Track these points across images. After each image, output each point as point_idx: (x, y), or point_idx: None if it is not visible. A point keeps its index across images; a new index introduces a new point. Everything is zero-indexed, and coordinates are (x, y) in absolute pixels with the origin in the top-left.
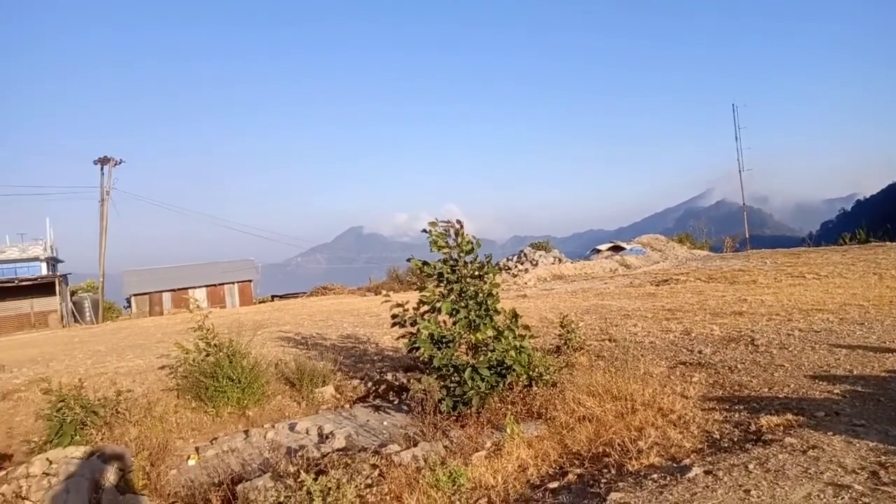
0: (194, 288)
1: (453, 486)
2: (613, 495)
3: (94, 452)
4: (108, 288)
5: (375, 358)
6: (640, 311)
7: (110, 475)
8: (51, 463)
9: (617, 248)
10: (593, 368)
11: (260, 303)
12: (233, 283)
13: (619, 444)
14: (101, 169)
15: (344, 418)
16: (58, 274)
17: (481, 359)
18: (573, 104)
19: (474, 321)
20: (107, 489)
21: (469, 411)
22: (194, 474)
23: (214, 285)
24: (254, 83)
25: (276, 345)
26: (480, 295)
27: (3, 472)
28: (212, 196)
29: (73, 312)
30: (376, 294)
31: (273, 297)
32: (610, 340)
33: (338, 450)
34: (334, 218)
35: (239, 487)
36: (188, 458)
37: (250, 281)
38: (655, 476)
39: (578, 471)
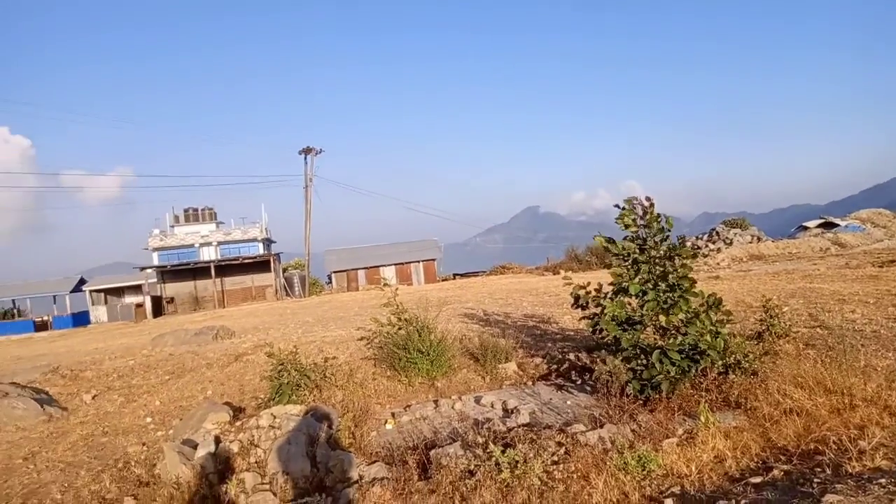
0: (384, 266)
1: (643, 470)
2: (830, 497)
3: (308, 411)
4: (313, 265)
5: (556, 337)
6: (859, 296)
7: (322, 432)
8: (274, 417)
9: (828, 225)
10: (801, 358)
11: (443, 280)
12: (418, 261)
13: (834, 443)
14: (305, 158)
15: (527, 395)
16: (272, 253)
17: (671, 342)
18: (773, 66)
19: (665, 303)
20: (320, 444)
21: (658, 396)
22: (391, 437)
23: (402, 264)
24: (449, 76)
25: (459, 321)
26: (671, 276)
27: (240, 423)
28: (401, 180)
29: (284, 287)
30: (554, 273)
31: (455, 275)
32: (821, 327)
33: (522, 425)
34: (511, 198)
35: (432, 453)
36: (385, 422)
37: (434, 260)
38: (883, 481)
39: (785, 467)
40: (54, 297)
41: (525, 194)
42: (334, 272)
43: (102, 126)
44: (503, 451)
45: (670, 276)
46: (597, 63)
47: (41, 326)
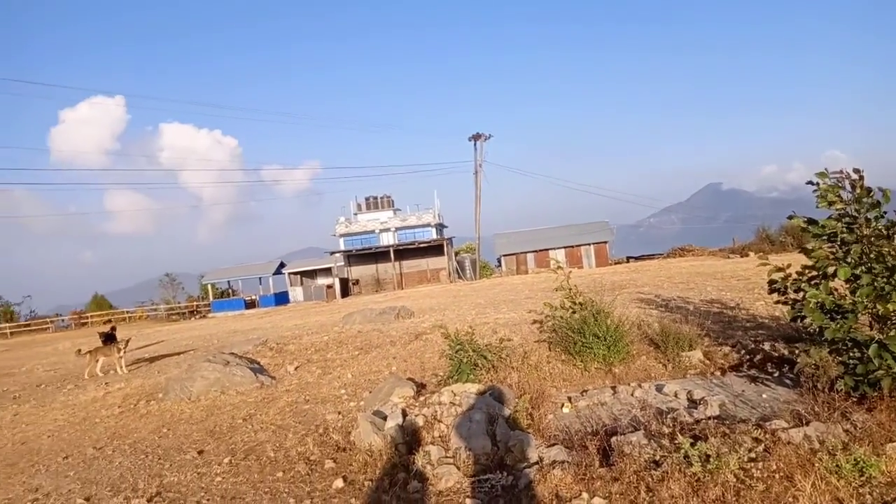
0: (554, 249)
1: (860, 476)
2: None
3: (486, 390)
4: (482, 249)
5: (747, 325)
6: None
7: (500, 412)
8: (455, 395)
9: None
10: None
11: (615, 264)
12: (589, 244)
13: None
14: (475, 144)
15: (715, 385)
16: (444, 237)
17: (891, 334)
18: None
19: (883, 289)
20: (499, 423)
21: (876, 394)
22: (569, 421)
23: (572, 246)
24: (617, 43)
25: (635, 306)
26: (889, 259)
27: (423, 398)
28: (570, 161)
29: (456, 270)
30: (742, 256)
31: (628, 258)
32: None
33: (711, 417)
34: (689, 174)
35: (613, 440)
36: (562, 405)
37: (605, 242)
38: None
39: None
40: (260, 278)
41: (706, 170)
42: (504, 255)
43: (294, 124)
44: (692, 444)
45: (888, 258)
46: (787, 17)
47: (250, 304)
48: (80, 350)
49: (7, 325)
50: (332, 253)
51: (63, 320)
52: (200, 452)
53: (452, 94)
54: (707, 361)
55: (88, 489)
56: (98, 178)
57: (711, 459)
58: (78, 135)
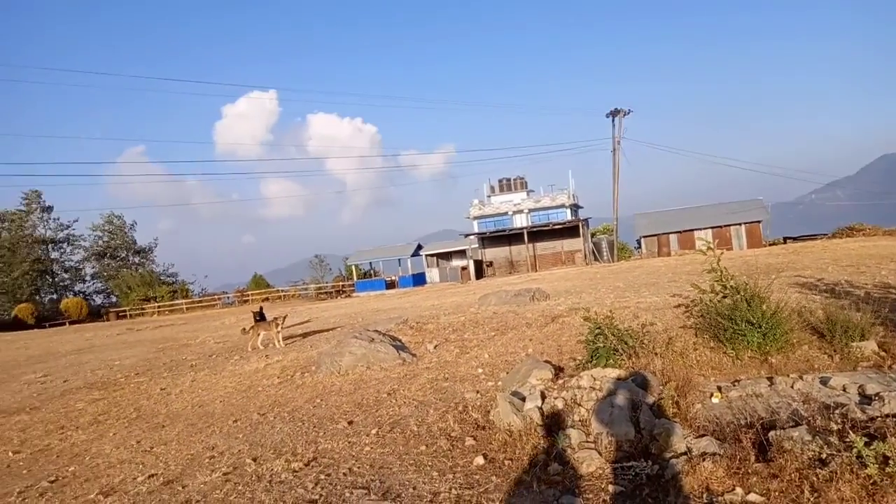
0: (700, 230)
1: None
2: None
3: (628, 376)
4: (621, 230)
5: None
6: None
7: (644, 398)
8: (595, 379)
9: None
10: None
11: (770, 245)
12: (739, 224)
13: None
14: (612, 121)
15: (893, 380)
16: (580, 218)
17: None
18: None
19: None
20: (643, 410)
21: None
22: (719, 412)
23: (720, 227)
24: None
25: (795, 290)
26: None
27: (562, 381)
28: (718, 136)
29: (593, 252)
30: None
31: (785, 238)
32: None
33: (890, 415)
34: (858, 146)
35: (771, 434)
36: (711, 395)
37: (759, 222)
38: None
39: None
40: (399, 260)
41: (879, 140)
42: (644, 237)
43: (430, 109)
44: (867, 443)
45: None
46: None
47: (390, 285)
48: (244, 329)
49: (183, 300)
50: (467, 235)
51: (228, 297)
52: (350, 423)
53: (590, 68)
54: (882, 353)
55: (255, 450)
56: (255, 167)
57: (891, 462)
58: (237, 128)
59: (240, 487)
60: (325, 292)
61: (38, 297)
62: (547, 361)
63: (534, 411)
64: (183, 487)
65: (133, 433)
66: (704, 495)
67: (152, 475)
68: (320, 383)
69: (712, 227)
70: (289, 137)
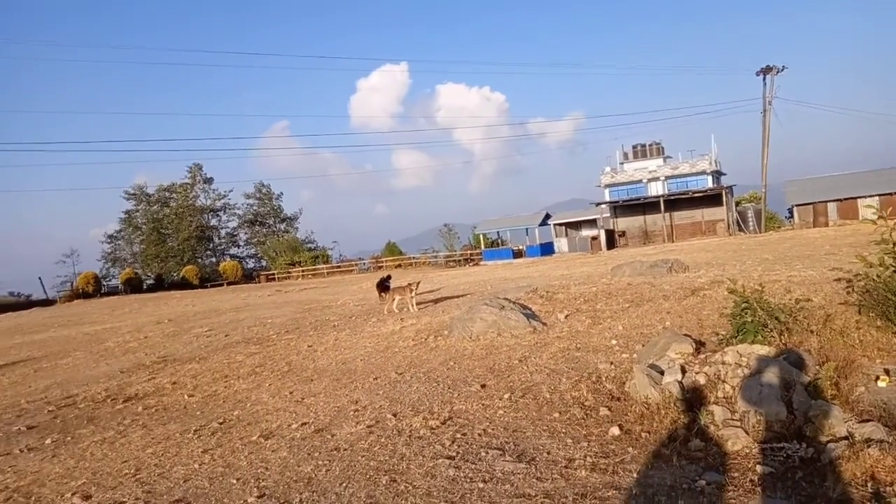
0: (864, 197)
1: None
2: None
3: (780, 353)
4: (770, 198)
5: None
6: None
7: (798, 377)
8: (740, 356)
9: None
10: None
11: None
12: None
13: None
14: (763, 79)
15: None
16: (722, 186)
17: None
18: None
19: None
20: (797, 390)
21: None
22: (886, 396)
23: (890, 194)
24: None
25: None
26: None
27: (703, 356)
28: (884, 91)
29: (737, 222)
30: None
31: None
32: None
33: None
34: None
35: None
36: (877, 378)
37: None
38: None
39: None
40: (526, 229)
41: None
42: (796, 205)
43: (558, 76)
44: None
45: None
46: None
47: (517, 254)
48: (381, 294)
49: (324, 266)
50: (598, 204)
51: (364, 263)
52: (483, 386)
53: (735, 23)
54: None
55: (395, 407)
56: (386, 139)
57: None
58: (370, 101)
59: (382, 440)
60: (454, 260)
61: (199, 260)
62: (686, 335)
63: (673, 385)
64: (332, 436)
65: (286, 385)
66: (869, 484)
67: (304, 423)
68: (452, 347)
69: (880, 195)
70: (418, 109)
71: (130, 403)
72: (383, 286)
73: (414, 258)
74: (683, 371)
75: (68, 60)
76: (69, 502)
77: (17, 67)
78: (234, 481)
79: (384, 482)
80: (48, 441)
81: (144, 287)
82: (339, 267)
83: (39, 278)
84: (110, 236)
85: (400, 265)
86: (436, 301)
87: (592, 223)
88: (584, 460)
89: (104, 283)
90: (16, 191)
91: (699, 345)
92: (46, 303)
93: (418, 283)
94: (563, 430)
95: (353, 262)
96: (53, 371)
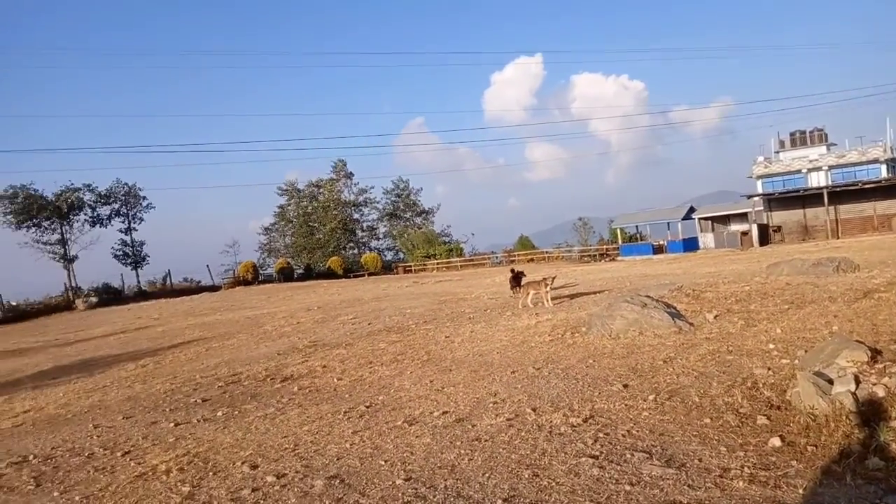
0: None
1: None
2: None
3: None
4: None
5: None
6: None
7: None
8: None
9: None
10: None
11: None
12: None
13: None
14: None
15: None
16: None
17: None
18: None
19: None
20: None
21: None
22: None
23: None
24: None
25: None
26: None
27: (881, 365)
28: None
29: None
30: None
31: None
32: None
33: None
34: None
35: None
36: None
37: None
38: None
39: None
40: (668, 223)
41: None
42: None
43: (706, 59)
44: None
45: None
46: None
47: (658, 249)
48: (514, 289)
49: (458, 259)
50: (749, 196)
51: (496, 257)
52: (625, 386)
53: None
54: None
55: (533, 401)
56: (520, 132)
57: None
58: (504, 95)
59: (522, 433)
60: (589, 255)
61: (343, 252)
62: (859, 341)
63: (845, 396)
64: (472, 426)
65: (426, 373)
66: None
67: (445, 412)
68: (591, 344)
69: None
70: (552, 100)
71: (287, 383)
72: (516, 280)
73: (547, 252)
74: (857, 381)
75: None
76: (240, 470)
77: (202, 77)
78: (383, 462)
79: (526, 476)
80: (219, 413)
81: (295, 276)
82: (471, 260)
83: (207, 266)
84: (266, 228)
85: (532, 259)
86: (571, 297)
87: (742, 217)
88: (741, 471)
89: (261, 271)
90: (188, 188)
91: (875, 353)
92: (213, 288)
93: (554, 278)
94: (716, 437)
95: (485, 256)
96: (221, 350)
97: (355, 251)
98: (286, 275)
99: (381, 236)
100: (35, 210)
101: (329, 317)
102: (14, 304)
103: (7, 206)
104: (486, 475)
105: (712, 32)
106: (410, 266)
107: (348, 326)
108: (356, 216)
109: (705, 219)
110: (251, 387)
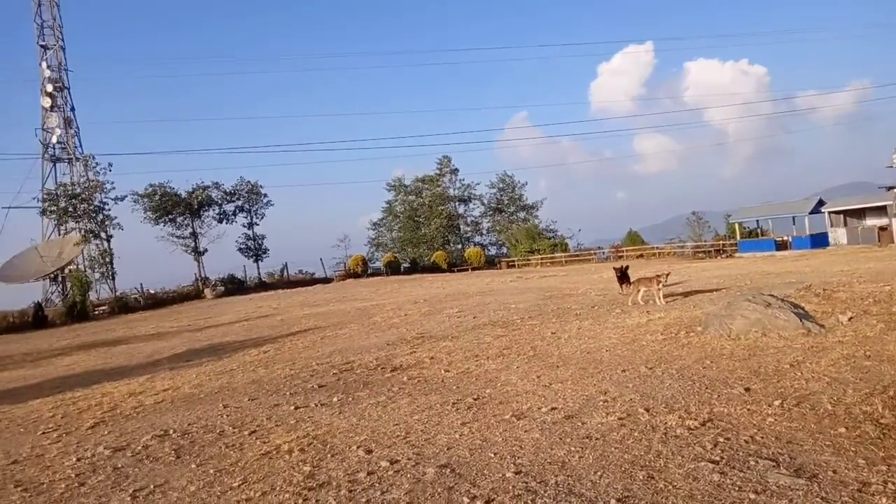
0: None
1: None
2: None
3: None
4: None
5: None
6: None
7: None
8: None
9: None
10: None
11: None
12: None
13: None
14: None
15: None
16: None
17: None
18: None
19: None
20: None
21: None
22: None
23: None
24: None
25: None
26: None
27: None
28: None
29: None
30: None
31: None
32: None
33: None
34: None
35: None
36: None
37: None
38: None
39: None
40: (793, 218)
41: None
42: None
43: (836, 41)
44: None
45: None
46: None
47: (781, 246)
48: (623, 285)
49: (562, 254)
50: (889, 188)
51: (603, 252)
52: (747, 390)
53: None
54: None
55: (646, 402)
56: (627, 123)
57: None
58: (612, 85)
59: (636, 434)
60: (704, 251)
61: (447, 246)
62: None
63: None
64: (582, 424)
65: (532, 369)
66: None
67: (554, 408)
68: (707, 344)
69: None
70: (663, 89)
71: (396, 373)
72: (624, 276)
73: (658, 248)
74: None
75: (346, 68)
76: (355, 454)
77: (322, 79)
78: (492, 455)
79: (641, 477)
80: (335, 399)
81: (402, 270)
82: (576, 256)
83: (320, 259)
84: (374, 223)
85: (642, 255)
86: (685, 294)
87: (881, 211)
88: (885, 486)
89: (369, 265)
90: (306, 185)
91: None
92: (326, 280)
93: (667, 275)
94: (853, 449)
95: (591, 252)
96: (334, 339)
97: (459, 246)
98: (393, 268)
99: (484, 231)
100: (171, 206)
101: (435, 310)
102: (153, 292)
103: (147, 203)
104: (598, 474)
105: (848, 9)
106: (514, 261)
107: (454, 319)
108: (461, 211)
109: (836, 212)
110: (363, 375)
